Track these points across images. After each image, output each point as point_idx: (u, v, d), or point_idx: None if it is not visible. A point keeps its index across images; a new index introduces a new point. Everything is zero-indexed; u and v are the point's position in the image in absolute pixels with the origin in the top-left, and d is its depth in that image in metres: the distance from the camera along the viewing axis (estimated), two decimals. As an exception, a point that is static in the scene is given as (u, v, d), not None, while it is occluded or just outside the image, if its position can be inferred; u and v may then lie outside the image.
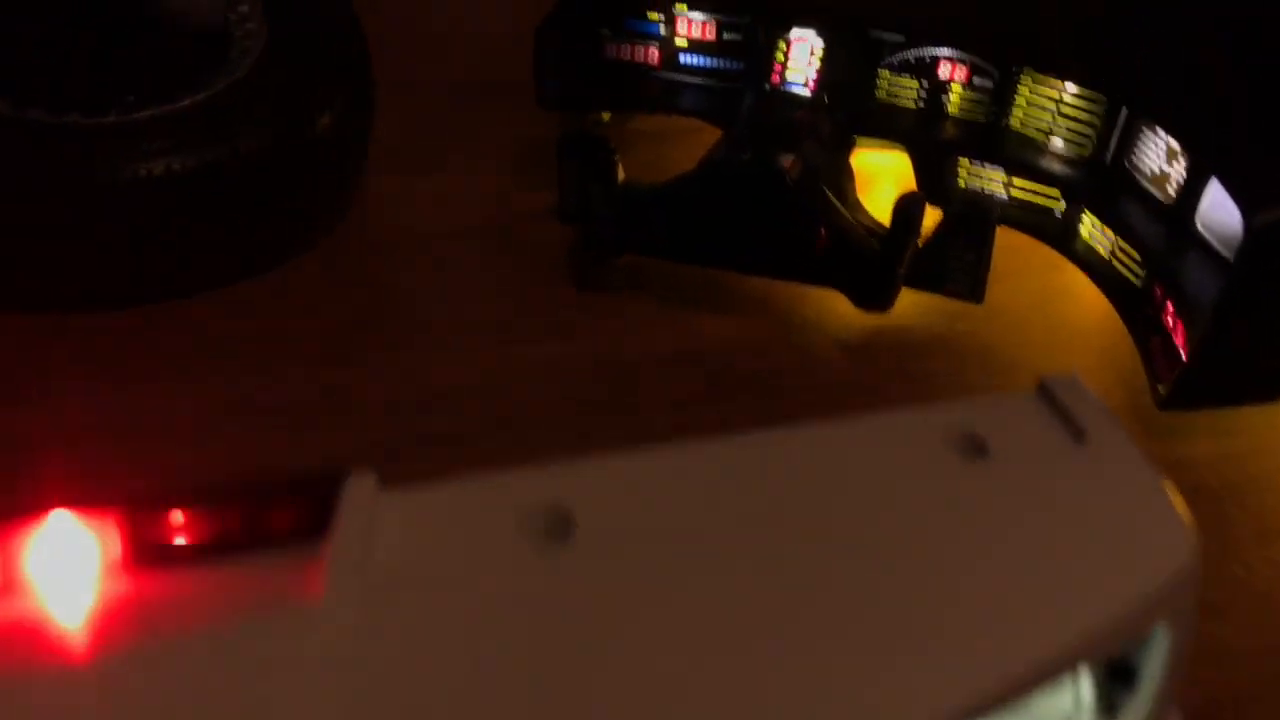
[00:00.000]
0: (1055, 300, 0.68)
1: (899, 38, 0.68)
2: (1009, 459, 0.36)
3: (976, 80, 0.67)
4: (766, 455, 0.35)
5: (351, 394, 0.59)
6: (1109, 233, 0.64)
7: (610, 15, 0.73)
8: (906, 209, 0.61)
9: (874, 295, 0.62)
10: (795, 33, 0.68)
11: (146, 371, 0.60)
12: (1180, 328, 0.58)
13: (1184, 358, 0.57)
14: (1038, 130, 0.67)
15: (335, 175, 0.69)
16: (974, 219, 0.62)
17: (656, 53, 0.74)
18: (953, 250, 0.63)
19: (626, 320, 0.65)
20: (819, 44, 0.67)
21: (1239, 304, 0.55)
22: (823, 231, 0.62)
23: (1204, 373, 0.56)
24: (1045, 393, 0.39)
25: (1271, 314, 0.55)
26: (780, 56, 0.68)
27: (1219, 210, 0.59)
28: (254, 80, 0.65)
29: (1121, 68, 0.63)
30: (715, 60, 0.73)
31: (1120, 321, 0.65)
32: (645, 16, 0.73)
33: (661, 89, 0.74)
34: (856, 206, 0.66)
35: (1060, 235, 0.67)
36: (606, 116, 0.81)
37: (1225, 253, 0.58)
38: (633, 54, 0.74)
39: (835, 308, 0.66)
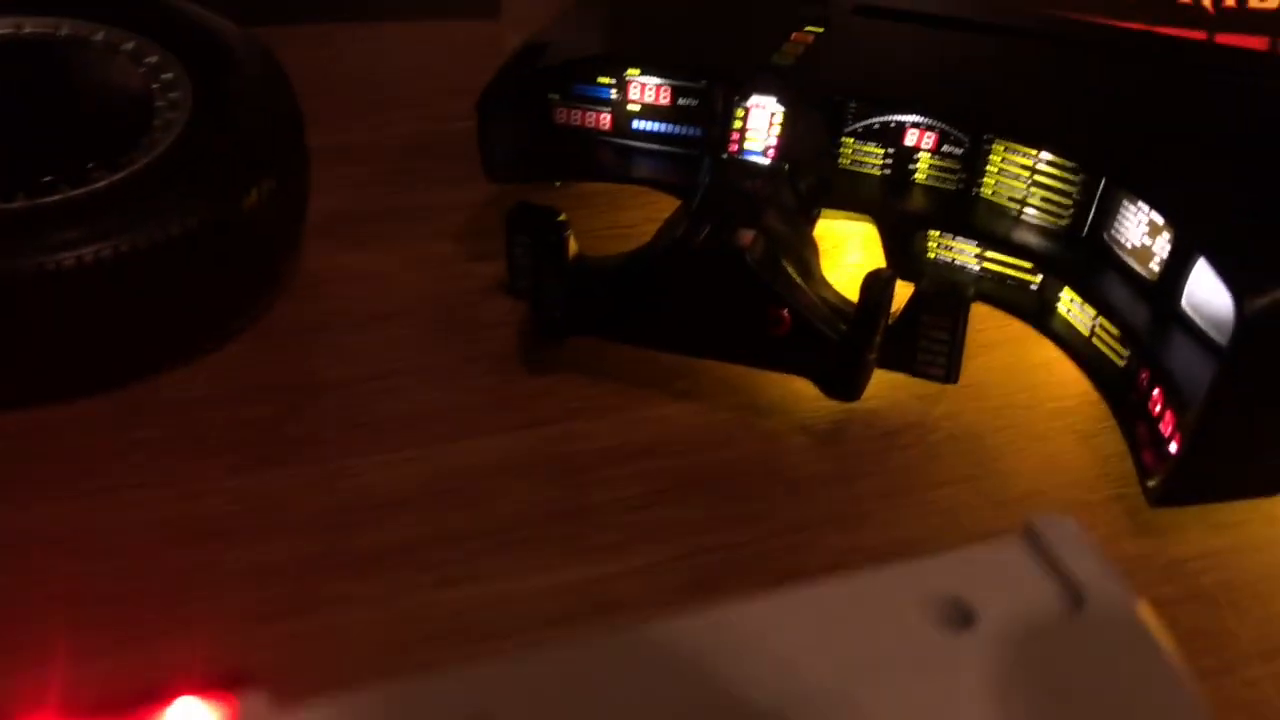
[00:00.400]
0: (1033, 376, 0.64)
1: (864, 104, 0.64)
2: (998, 631, 0.32)
3: (945, 148, 0.64)
4: (726, 632, 0.31)
5: (273, 504, 0.55)
6: (1089, 309, 0.60)
7: (558, 81, 0.69)
8: (875, 290, 0.57)
9: (842, 384, 0.58)
10: (754, 99, 0.64)
11: (42, 480, 0.56)
12: (1170, 416, 0.54)
13: (1175, 450, 0.54)
14: (1010, 200, 0.64)
15: (264, 257, 0.65)
16: (948, 296, 0.58)
17: (608, 118, 0.70)
18: (926, 329, 0.59)
19: (579, 408, 0.61)
20: (779, 111, 0.64)
21: (1232, 393, 0.51)
22: (785, 314, 0.58)
23: (1197, 467, 0.53)
24: (1035, 538, 0.35)
25: (1267, 403, 0.52)
26: (738, 124, 0.64)
27: (1206, 290, 0.55)
28: (177, 157, 0.61)
29: (1101, 138, 0.60)
30: (670, 126, 0.69)
31: (1102, 401, 0.62)
32: (596, 82, 0.69)
33: (613, 156, 0.70)
34: (821, 283, 0.62)
35: (1036, 311, 0.63)
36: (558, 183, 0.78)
37: (1215, 336, 0.55)
38: (583, 120, 0.70)
39: (801, 390, 0.62)
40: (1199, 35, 0.95)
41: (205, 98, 0.63)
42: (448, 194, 0.79)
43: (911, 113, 0.63)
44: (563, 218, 0.65)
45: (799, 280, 0.60)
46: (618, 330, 0.62)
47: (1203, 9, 0.94)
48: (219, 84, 0.64)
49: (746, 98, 0.64)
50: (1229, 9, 0.94)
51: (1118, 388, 0.59)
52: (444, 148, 0.84)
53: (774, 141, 0.64)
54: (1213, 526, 0.55)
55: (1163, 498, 0.54)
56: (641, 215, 0.78)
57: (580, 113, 0.70)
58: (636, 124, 0.70)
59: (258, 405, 0.61)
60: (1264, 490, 0.54)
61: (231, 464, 0.57)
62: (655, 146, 0.70)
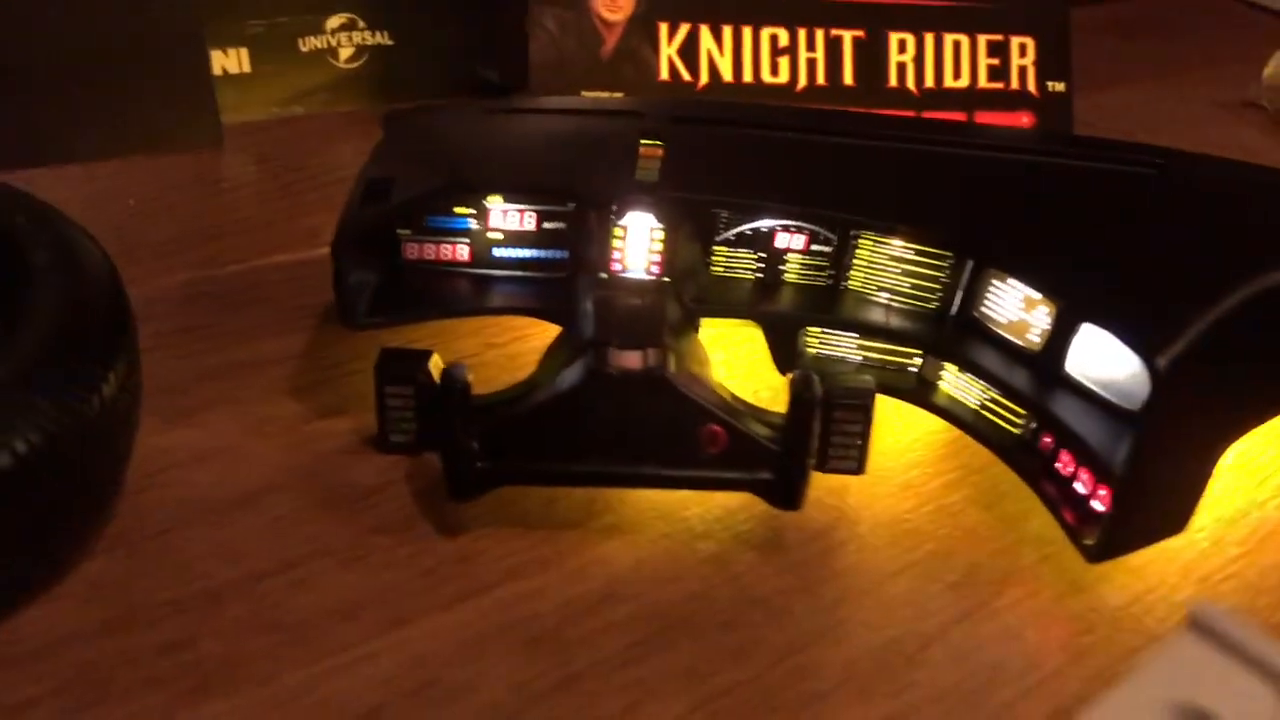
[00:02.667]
0: (918, 454, 0.66)
1: (735, 212, 0.64)
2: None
3: (815, 246, 0.65)
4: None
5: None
6: (976, 384, 0.64)
7: (409, 216, 0.65)
8: (804, 394, 0.57)
9: (786, 494, 0.58)
10: (631, 217, 0.63)
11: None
12: (1087, 476, 0.58)
13: (1103, 508, 0.57)
14: (880, 290, 0.66)
15: (112, 460, 0.55)
16: (856, 392, 0.59)
17: (466, 249, 0.66)
18: (838, 425, 0.60)
19: (515, 565, 0.57)
20: (658, 226, 0.63)
21: (1153, 447, 0.56)
22: (720, 431, 0.57)
23: (1126, 521, 0.57)
24: (1204, 628, 0.36)
25: (1179, 448, 0.57)
26: (617, 242, 0.63)
27: (1089, 354, 0.60)
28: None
29: (964, 224, 0.63)
30: (536, 251, 0.66)
31: (987, 469, 0.65)
32: (451, 213, 0.65)
33: (471, 287, 0.66)
34: (728, 392, 0.62)
35: (919, 391, 0.66)
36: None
37: (1106, 395, 0.59)
38: (438, 254, 0.66)
39: (720, 501, 0.61)
40: (909, 114, 1.03)
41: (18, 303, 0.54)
42: (260, 346, 0.71)
43: (784, 217, 0.64)
44: (437, 359, 0.61)
45: (724, 395, 0.59)
46: (542, 474, 0.58)
47: (909, 91, 1.03)
48: (36, 284, 0.54)
49: (622, 216, 0.63)
50: (930, 90, 1.03)
51: (1018, 453, 0.62)
52: (228, 295, 0.77)
53: (656, 257, 0.63)
54: (1129, 571, 0.60)
55: (1101, 553, 0.57)
56: (479, 343, 0.74)
57: (435, 246, 0.65)
58: (498, 252, 0.66)
59: (156, 628, 0.52)
60: (1170, 530, 0.59)
61: (161, 708, 0.48)
62: (518, 273, 0.67)
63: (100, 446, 0.53)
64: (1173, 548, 0.61)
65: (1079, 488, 0.59)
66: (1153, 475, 0.56)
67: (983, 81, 1.04)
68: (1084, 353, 0.60)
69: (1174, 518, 0.59)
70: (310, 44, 1.03)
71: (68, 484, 0.51)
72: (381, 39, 1.05)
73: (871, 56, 1.02)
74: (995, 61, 1.04)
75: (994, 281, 0.63)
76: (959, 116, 1.04)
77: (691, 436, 0.57)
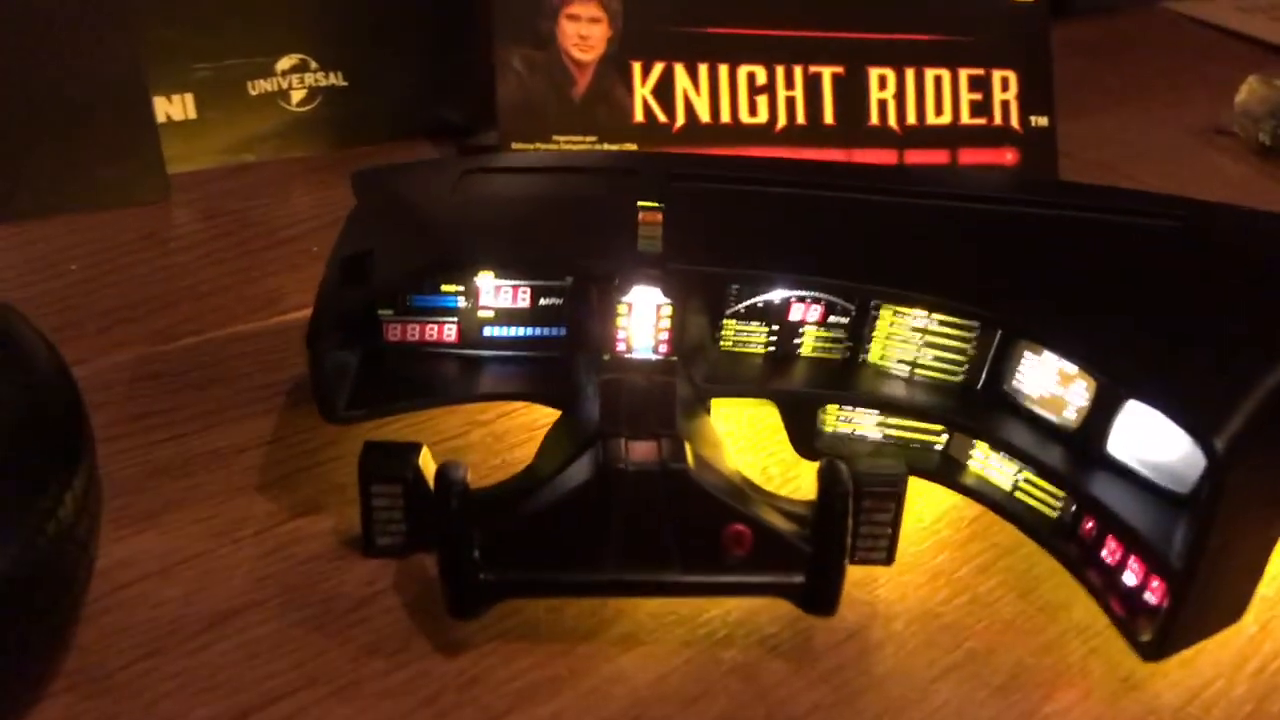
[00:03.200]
0: (944, 537, 0.62)
1: (746, 284, 0.60)
2: None
3: (831, 318, 0.61)
4: None
5: None
6: (1009, 464, 0.60)
7: (391, 293, 0.59)
8: (835, 484, 0.52)
9: (823, 598, 0.53)
10: (636, 292, 0.57)
11: None
12: (1137, 565, 0.54)
13: (1158, 601, 0.53)
14: (900, 363, 0.62)
15: (52, 608, 0.49)
16: (887, 477, 0.55)
17: (454, 330, 0.60)
18: (867, 514, 0.55)
19: (525, 688, 0.51)
20: (665, 302, 0.58)
21: (1212, 535, 0.52)
22: (746, 530, 0.52)
23: (1184, 614, 0.53)
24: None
25: (1238, 534, 0.53)
26: (621, 320, 0.58)
27: (1134, 433, 0.56)
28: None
29: (993, 291, 0.59)
30: (530, 329, 0.61)
31: (1017, 549, 0.61)
32: (439, 291, 0.59)
33: (459, 371, 0.60)
34: (749, 483, 0.57)
35: (945, 470, 0.62)
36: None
37: (1154, 478, 0.55)
38: (422, 335, 0.60)
39: (744, 604, 0.56)
40: (891, 154, 1.00)
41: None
42: (223, 433, 0.65)
43: (801, 288, 0.59)
44: (427, 454, 0.55)
45: (747, 489, 0.54)
46: (548, 586, 0.53)
47: (891, 129, 0.99)
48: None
49: (626, 292, 0.58)
50: (912, 127, 1.00)
51: (1056, 538, 0.58)
52: (184, 373, 0.71)
53: (664, 335, 0.58)
54: (1180, 664, 0.56)
55: (1158, 651, 0.53)
56: (462, 421, 0.68)
57: (420, 327, 0.60)
58: (489, 331, 0.61)
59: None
60: (1228, 620, 0.55)
61: None
62: (511, 353, 0.61)
63: (55, 580, 0.47)
64: (1221, 635, 0.57)
65: (1128, 579, 0.55)
66: (1212, 565, 0.52)
67: (965, 118, 1.01)
68: (1128, 431, 0.56)
69: (1231, 607, 0.55)
70: (260, 87, 0.97)
71: (18, 625, 0.45)
72: (335, 80, 0.99)
73: (852, 93, 0.98)
74: (977, 96, 1.00)
75: (1026, 353, 0.59)
76: (942, 154, 1.01)
77: (714, 538, 0.52)
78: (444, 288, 0.59)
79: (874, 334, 0.61)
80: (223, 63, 0.94)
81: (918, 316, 0.60)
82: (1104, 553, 0.56)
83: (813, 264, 0.59)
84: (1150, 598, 0.54)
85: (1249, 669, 0.56)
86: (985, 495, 0.60)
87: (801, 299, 0.60)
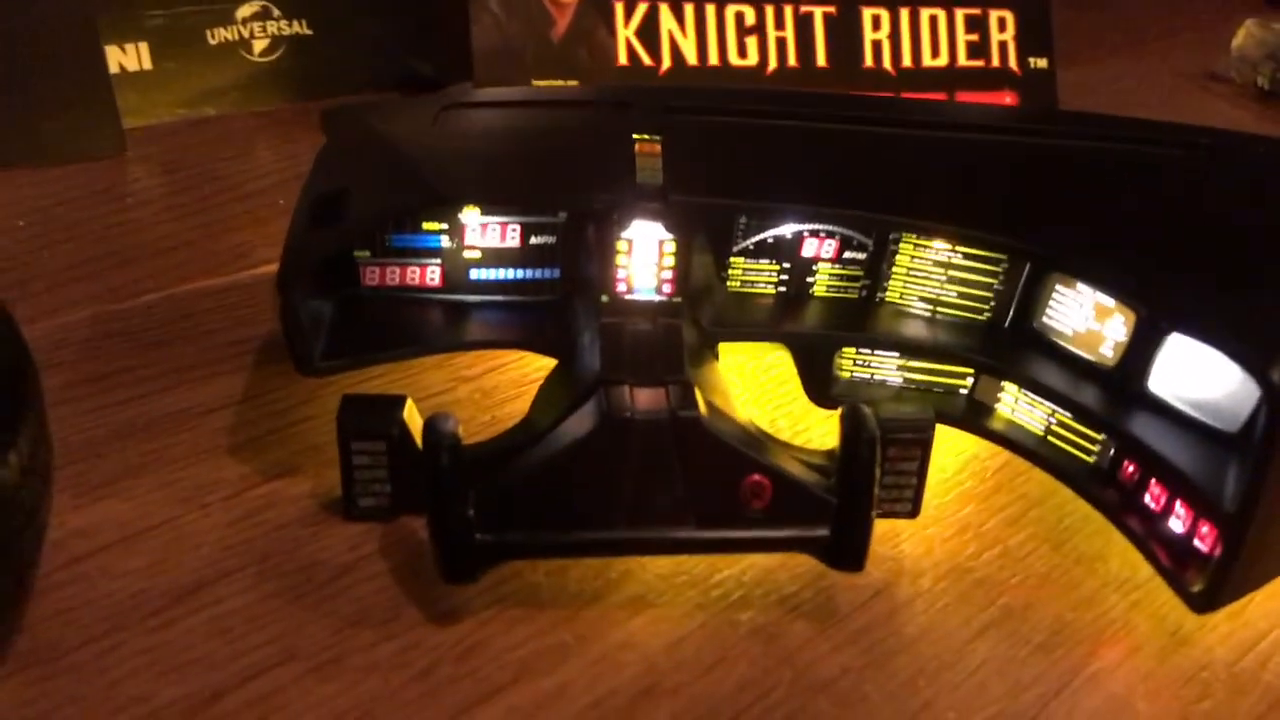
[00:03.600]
0: (970, 487, 0.58)
1: (755, 218, 0.55)
2: None
3: (847, 254, 0.56)
4: None
5: None
6: (1041, 406, 0.55)
7: (369, 233, 0.54)
8: (860, 431, 0.47)
9: (849, 552, 0.49)
10: (637, 228, 0.53)
11: None
12: (1184, 510, 0.50)
13: (1206, 548, 0.49)
14: (922, 300, 0.57)
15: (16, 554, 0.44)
16: (914, 423, 0.51)
17: (438, 272, 0.55)
18: (892, 463, 0.51)
19: (527, 657, 0.47)
20: (668, 238, 0.53)
21: (1269, 476, 0.48)
22: (765, 481, 0.48)
23: (1238, 562, 0.49)
24: None
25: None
26: (621, 259, 0.53)
27: (1177, 370, 0.52)
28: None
29: (1024, 221, 0.55)
30: (521, 271, 0.56)
31: (1047, 500, 0.57)
32: (420, 229, 0.54)
33: (445, 317, 0.55)
34: (763, 432, 0.52)
35: (971, 416, 0.57)
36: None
37: (1200, 416, 0.51)
38: (403, 278, 0.55)
39: (759, 561, 0.52)
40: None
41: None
42: (189, 393, 0.60)
43: (816, 221, 0.55)
44: (412, 406, 0.50)
45: (763, 437, 0.50)
46: (552, 546, 0.48)
47: (885, 71, 0.94)
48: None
49: (626, 227, 0.53)
50: (908, 69, 0.95)
51: (1093, 484, 0.54)
52: (145, 331, 0.65)
53: (668, 274, 0.53)
54: (1230, 616, 0.52)
55: (1210, 602, 0.49)
56: (447, 376, 0.64)
57: (400, 270, 0.55)
58: (475, 274, 0.56)
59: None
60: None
61: None
62: (500, 298, 0.56)
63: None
64: (1267, 585, 0.53)
65: (1175, 525, 0.51)
66: (1268, 508, 0.48)
67: (962, 59, 0.96)
68: (1170, 367, 0.52)
69: (1283, 554, 0.51)
70: (219, 36, 0.91)
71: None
72: (300, 29, 0.94)
73: (844, 34, 0.94)
74: (974, 37, 0.96)
75: (1057, 287, 0.55)
76: (939, 97, 0.96)
77: (731, 490, 0.48)
78: (426, 226, 0.54)
79: (893, 270, 0.57)
80: (178, 9, 0.89)
81: (940, 250, 0.56)
82: (1147, 498, 0.52)
83: (828, 194, 0.55)
84: (1200, 545, 0.50)
85: (1303, 619, 0.52)
86: (1016, 441, 0.56)
87: (815, 233, 0.56)
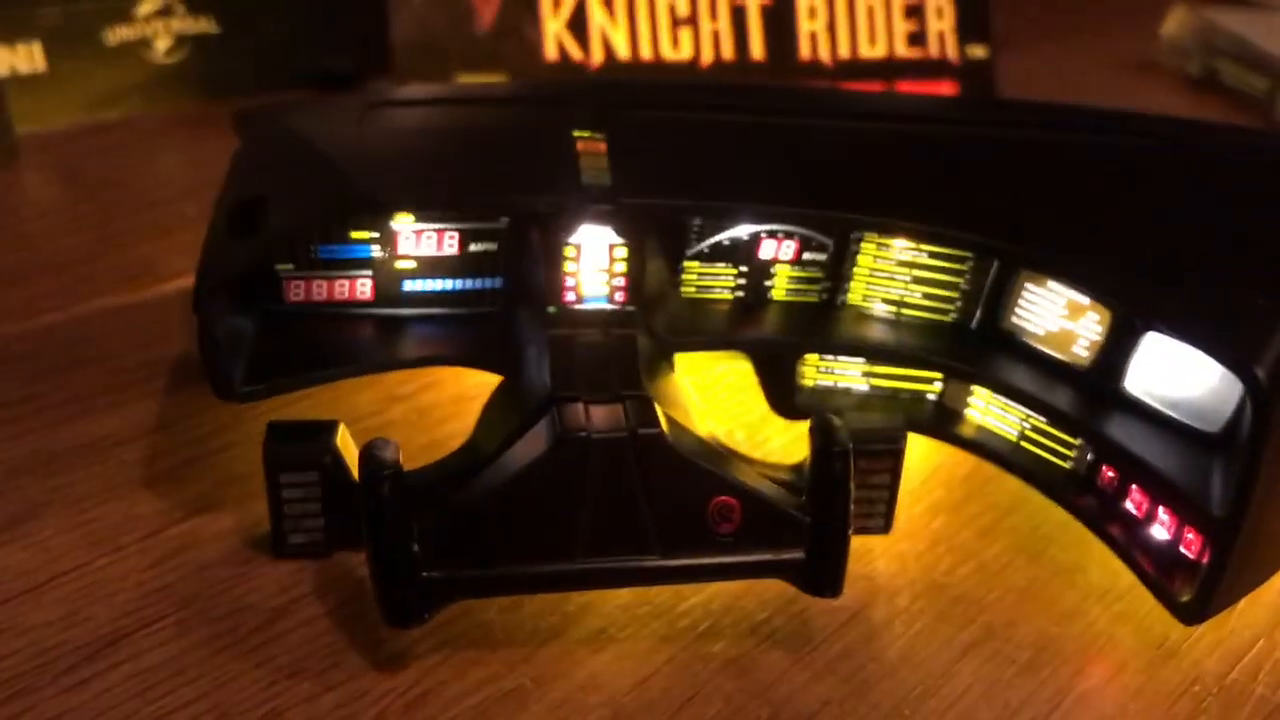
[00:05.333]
0: (937, 498, 0.55)
1: (710, 219, 0.51)
2: None
3: (807, 255, 0.53)
4: None
5: None
6: (1013, 411, 0.53)
7: (291, 244, 0.49)
8: (832, 447, 0.44)
9: (827, 576, 0.45)
10: (585, 232, 0.49)
11: None
12: (1168, 516, 0.48)
13: (1192, 555, 0.47)
14: (886, 302, 0.54)
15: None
16: (885, 434, 0.48)
17: (369, 285, 0.51)
18: (863, 477, 0.48)
19: (483, 703, 0.43)
20: (619, 242, 0.49)
21: (1257, 477, 0.45)
22: (733, 502, 0.44)
23: (1227, 568, 0.46)
24: None
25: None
26: (569, 265, 0.49)
27: (1153, 368, 0.50)
28: None
29: (991, 216, 0.52)
30: (459, 282, 0.52)
31: (1021, 508, 0.54)
32: (348, 239, 0.50)
33: (377, 334, 0.51)
34: (719, 446, 0.49)
35: (940, 422, 0.54)
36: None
37: (1180, 416, 0.49)
38: (330, 293, 0.51)
39: (726, 587, 0.49)
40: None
41: None
42: (97, 423, 0.55)
43: (774, 221, 0.51)
44: (344, 432, 0.46)
45: (731, 455, 0.47)
46: (507, 582, 0.44)
47: (821, 63, 0.92)
48: None
49: (573, 232, 0.49)
50: (845, 61, 0.93)
51: (1071, 491, 0.51)
52: (45, 355, 0.60)
53: (620, 281, 0.50)
54: (1216, 625, 0.49)
55: (1199, 612, 0.47)
56: (379, 396, 0.59)
57: (327, 284, 0.50)
58: (410, 285, 0.52)
59: None
60: (1269, 573, 0.49)
61: None
62: (438, 310, 0.52)
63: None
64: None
65: (1158, 533, 0.49)
66: (1258, 511, 0.46)
67: (901, 49, 0.94)
68: (1147, 366, 0.50)
69: (1274, 558, 0.49)
70: (119, 35, 0.85)
71: None
72: (206, 26, 0.89)
73: (780, 25, 0.91)
74: (913, 26, 0.94)
75: (1027, 285, 0.52)
76: (877, 89, 0.94)
77: (698, 513, 0.44)
78: (354, 235, 0.50)
79: (855, 272, 0.54)
80: (73, 6, 0.83)
81: (904, 249, 0.53)
82: (1128, 504, 0.50)
83: (785, 192, 0.51)
84: (1187, 552, 0.47)
85: (1289, 626, 0.50)
86: (988, 448, 0.53)
87: (772, 234, 0.52)
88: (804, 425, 0.46)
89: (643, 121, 0.56)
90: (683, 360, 0.54)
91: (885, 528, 0.50)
